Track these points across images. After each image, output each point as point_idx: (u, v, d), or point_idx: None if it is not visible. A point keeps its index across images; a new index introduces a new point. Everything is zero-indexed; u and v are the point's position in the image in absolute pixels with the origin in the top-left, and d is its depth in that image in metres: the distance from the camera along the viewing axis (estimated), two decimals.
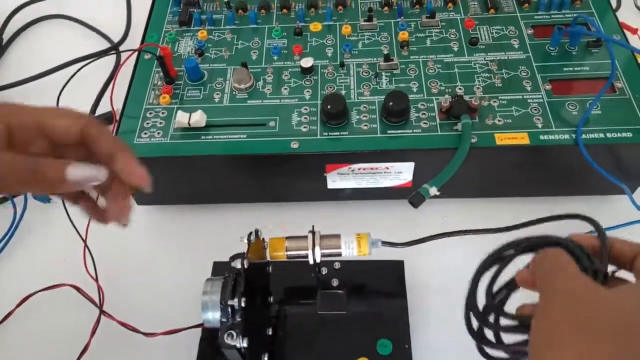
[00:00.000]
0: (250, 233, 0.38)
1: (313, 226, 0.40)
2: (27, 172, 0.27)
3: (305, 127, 0.46)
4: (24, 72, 0.65)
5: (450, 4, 0.54)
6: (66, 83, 0.47)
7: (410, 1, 0.54)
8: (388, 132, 0.45)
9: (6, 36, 0.70)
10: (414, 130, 0.45)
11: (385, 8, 0.54)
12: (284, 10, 0.55)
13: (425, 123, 0.45)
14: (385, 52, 0.51)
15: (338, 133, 0.45)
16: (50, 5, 0.74)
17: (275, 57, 0.51)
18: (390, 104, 0.44)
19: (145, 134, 0.46)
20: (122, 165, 0.29)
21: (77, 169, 0.28)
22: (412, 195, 0.40)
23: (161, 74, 0.49)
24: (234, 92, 0.49)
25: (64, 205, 0.46)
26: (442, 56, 0.50)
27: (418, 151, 0.44)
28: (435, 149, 0.44)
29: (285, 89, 0.49)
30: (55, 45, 0.70)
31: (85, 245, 0.47)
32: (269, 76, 0.50)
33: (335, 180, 0.47)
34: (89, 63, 0.48)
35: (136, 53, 0.51)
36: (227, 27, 0.54)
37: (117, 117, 0.50)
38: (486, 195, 0.51)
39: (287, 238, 0.40)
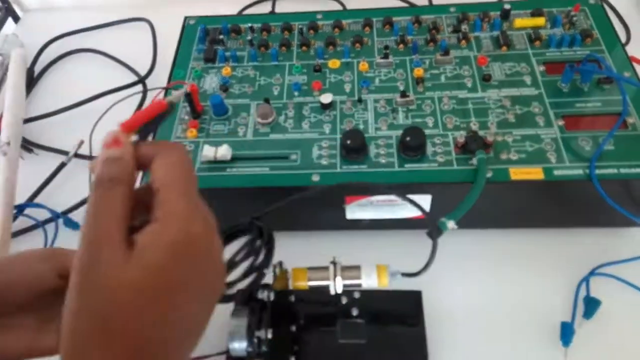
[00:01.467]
0: (275, 265, 0.39)
1: (334, 257, 0.42)
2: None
3: (325, 160, 0.48)
4: (55, 103, 0.69)
5: (463, 42, 0.56)
6: (101, 117, 0.50)
7: (425, 39, 0.57)
8: (405, 165, 0.47)
9: (38, 68, 0.74)
10: (431, 164, 0.46)
11: (401, 45, 0.57)
12: (304, 48, 0.58)
13: (441, 157, 0.47)
14: (402, 88, 0.53)
15: (357, 166, 0.47)
16: (80, 39, 0.78)
17: (296, 93, 0.54)
18: (408, 139, 0.46)
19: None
20: None
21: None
22: (429, 228, 0.42)
23: (188, 109, 0.52)
24: (257, 127, 0.51)
25: None
26: (457, 92, 0.52)
27: (435, 185, 0.46)
28: (452, 182, 0.45)
29: (306, 123, 0.51)
30: (84, 78, 0.74)
31: None
32: (290, 111, 0.52)
33: (355, 211, 0.49)
34: (122, 100, 0.50)
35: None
36: (250, 64, 0.57)
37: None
38: (501, 227, 0.52)
39: (309, 268, 0.42)
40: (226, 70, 0.56)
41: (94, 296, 0.22)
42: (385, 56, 0.55)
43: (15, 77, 0.67)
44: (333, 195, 0.47)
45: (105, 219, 0.23)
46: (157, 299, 0.23)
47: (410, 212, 0.49)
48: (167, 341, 0.23)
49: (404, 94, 0.51)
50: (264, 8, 0.77)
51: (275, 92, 0.54)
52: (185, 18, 0.62)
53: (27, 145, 0.64)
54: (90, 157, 0.59)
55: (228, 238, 0.39)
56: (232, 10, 0.76)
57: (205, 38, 0.59)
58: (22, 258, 0.29)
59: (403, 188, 0.46)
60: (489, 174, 0.45)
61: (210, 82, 0.55)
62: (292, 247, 0.50)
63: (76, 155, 0.61)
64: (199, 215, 0.25)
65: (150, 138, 0.28)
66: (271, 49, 0.58)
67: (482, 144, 0.46)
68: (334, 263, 0.41)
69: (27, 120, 0.65)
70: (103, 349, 0.22)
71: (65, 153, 0.62)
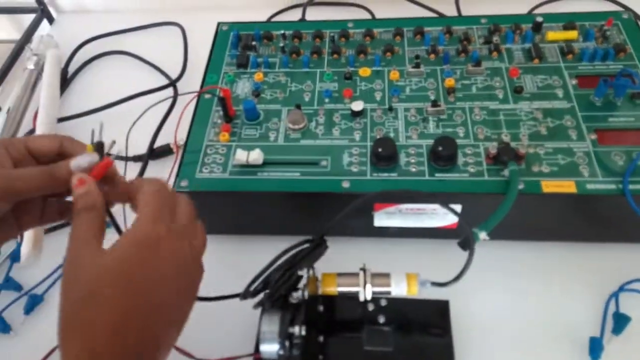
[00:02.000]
0: (308, 269, 0.40)
1: (364, 264, 0.42)
2: (45, 176, 0.33)
3: (355, 167, 0.48)
4: (87, 103, 0.71)
5: (495, 53, 0.56)
6: (136, 120, 0.51)
7: (456, 49, 0.57)
8: (436, 175, 0.47)
9: (71, 69, 0.76)
10: (462, 174, 0.47)
11: (432, 55, 0.57)
12: (335, 56, 0.58)
13: (472, 167, 0.47)
14: (432, 97, 0.53)
15: (387, 174, 0.47)
16: (112, 41, 0.80)
17: (327, 100, 0.54)
18: (440, 148, 0.46)
19: (206, 169, 0.49)
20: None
21: (77, 160, 0.34)
22: (461, 238, 0.42)
23: (221, 113, 0.53)
24: (288, 132, 0.52)
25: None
26: (488, 103, 0.52)
27: (465, 195, 0.46)
28: (483, 193, 0.45)
29: (336, 130, 0.51)
30: (115, 79, 0.75)
31: None
32: (321, 117, 0.53)
33: (383, 218, 0.49)
34: (157, 103, 0.52)
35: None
36: (281, 70, 0.58)
37: (176, 150, 0.53)
38: (531, 239, 0.52)
39: (338, 275, 0.42)
40: (258, 76, 0.57)
41: (76, 280, 0.30)
42: (417, 65, 0.55)
43: (50, 77, 0.69)
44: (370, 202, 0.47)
45: (85, 231, 0.32)
46: (129, 283, 0.30)
47: (439, 222, 0.49)
48: (144, 324, 0.30)
49: (435, 104, 0.51)
50: (294, 15, 0.78)
51: (306, 99, 0.55)
52: (219, 24, 0.63)
53: None
54: (125, 158, 0.60)
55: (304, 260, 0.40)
56: (262, 16, 0.78)
57: (237, 44, 0.60)
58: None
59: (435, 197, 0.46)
60: (521, 186, 0.45)
61: (243, 87, 0.56)
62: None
63: (108, 154, 0.62)
64: (162, 226, 0.32)
65: None
66: (302, 56, 0.58)
67: (515, 155, 0.46)
68: (363, 270, 0.41)
69: (61, 120, 0.67)
70: (86, 327, 0.29)
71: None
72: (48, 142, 0.36)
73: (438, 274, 0.41)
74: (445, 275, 0.41)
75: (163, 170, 0.56)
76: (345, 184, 0.47)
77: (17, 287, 0.53)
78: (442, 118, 0.51)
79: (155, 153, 0.62)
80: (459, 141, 0.49)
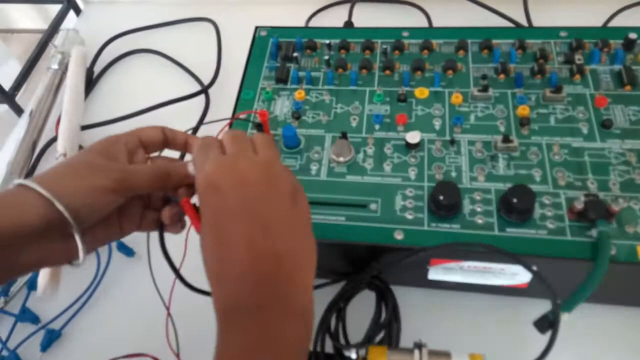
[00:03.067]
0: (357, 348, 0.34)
1: (420, 340, 0.36)
2: (164, 174, 0.35)
3: (410, 213, 0.41)
4: (114, 108, 0.66)
5: (577, 76, 0.48)
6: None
7: (531, 69, 0.49)
8: (507, 230, 0.40)
9: (97, 68, 0.71)
10: (538, 231, 0.39)
11: (502, 75, 0.49)
12: (387, 72, 0.51)
13: (551, 223, 0.39)
14: (502, 128, 0.45)
15: (448, 225, 0.40)
16: (141, 37, 0.74)
17: (377, 126, 0.47)
18: (515, 200, 0.39)
19: None
20: (193, 143, 0.38)
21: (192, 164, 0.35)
22: (538, 318, 0.35)
23: None
24: (332, 165, 0.45)
25: (149, 265, 0.44)
26: (570, 139, 0.44)
27: (542, 258, 0.38)
28: (564, 258, 0.38)
29: (388, 164, 0.44)
30: (144, 81, 0.70)
31: (169, 314, 0.45)
32: (370, 148, 0.46)
33: (439, 273, 0.43)
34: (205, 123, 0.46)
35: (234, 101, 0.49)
36: (325, 88, 0.51)
37: None
38: (618, 304, 0.44)
39: (389, 349, 0.36)
40: (299, 94, 0.50)
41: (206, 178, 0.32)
42: (484, 89, 0.47)
43: (75, 78, 0.64)
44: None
45: (209, 140, 0.35)
46: (260, 180, 0.31)
47: (505, 281, 0.42)
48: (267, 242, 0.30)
49: (506, 138, 0.44)
50: (339, 13, 0.70)
51: (353, 124, 0.48)
52: (257, 29, 0.56)
53: None
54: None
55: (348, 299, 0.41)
56: (304, 12, 0.70)
57: (277, 54, 0.53)
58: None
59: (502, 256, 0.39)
60: (612, 251, 0.37)
61: (282, 107, 0.50)
62: (364, 300, 0.44)
63: None
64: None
65: None
66: (350, 71, 0.51)
67: (605, 211, 0.38)
68: (419, 346, 0.35)
69: (85, 127, 0.62)
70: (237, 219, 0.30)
71: None
72: (155, 133, 0.38)
73: (503, 336, 0.35)
74: (512, 340, 0.35)
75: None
76: (399, 235, 0.40)
77: (34, 319, 0.49)
78: (514, 156, 0.44)
79: None
80: (535, 187, 0.41)
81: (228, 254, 0.29)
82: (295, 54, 0.52)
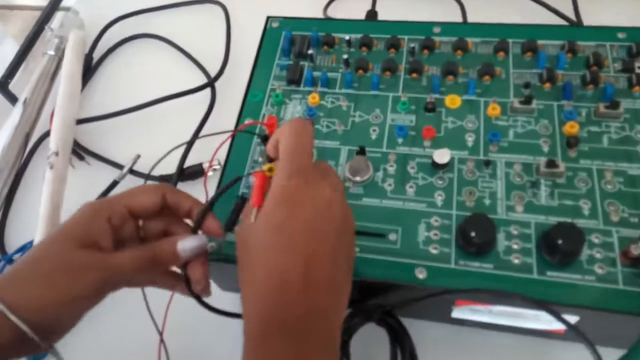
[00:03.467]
0: None
1: None
2: (147, 260, 0.30)
3: (434, 247, 0.36)
4: (113, 99, 0.61)
5: (636, 88, 0.41)
6: (158, 162, 0.40)
7: (582, 77, 0.42)
8: (547, 273, 0.34)
9: (97, 55, 0.66)
10: (585, 277, 0.34)
11: (547, 84, 0.42)
12: (414, 75, 0.44)
13: (600, 267, 0.34)
14: (546, 148, 0.39)
15: (479, 264, 0.35)
16: (144, 21, 0.68)
17: (400, 140, 0.41)
18: (560, 242, 0.33)
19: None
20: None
21: (186, 242, 0.31)
22: None
23: (262, 148, 0.41)
24: (347, 184, 0.40)
25: (143, 292, 0.40)
26: (626, 165, 0.38)
27: (588, 310, 0.33)
28: (614, 311, 0.32)
29: (411, 186, 0.39)
30: (146, 69, 0.65)
31: (161, 340, 0.41)
32: (391, 166, 0.40)
33: (465, 313, 0.38)
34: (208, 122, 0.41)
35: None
36: (343, 91, 0.45)
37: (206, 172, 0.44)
38: None
39: None
40: (313, 98, 0.44)
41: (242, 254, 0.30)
42: (527, 100, 0.41)
43: (71, 67, 0.59)
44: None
45: (305, 140, 0.32)
46: (277, 242, 0.28)
47: (539, 326, 0.37)
48: (304, 278, 0.27)
49: (551, 163, 0.37)
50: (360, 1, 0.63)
51: (373, 136, 0.42)
52: (268, 19, 0.50)
53: (79, 151, 0.56)
54: (147, 177, 0.51)
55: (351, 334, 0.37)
56: None
57: (290, 49, 0.47)
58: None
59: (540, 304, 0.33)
60: None
61: (293, 112, 0.44)
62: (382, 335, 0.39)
63: (131, 171, 0.53)
64: (298, 177, 0.30)
65: None
66: (371, 73, 0.45)
67: None
68: None
69: (81, 121, 0.57)
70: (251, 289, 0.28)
71: (120, 167, 0.54)
72: (150, 199, 0.32)
73: None
74: None
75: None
76: (421, 274, 0.35)
77: None
78: (558, 183, 0.38)
79: (186, 173, 0.52)
80: (581, 222, 0.35)
81: (288, 261, 0.28)
82: (310, 51, 0.46)
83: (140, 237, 0.34)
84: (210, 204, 0.34)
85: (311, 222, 0.28)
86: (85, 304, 0.29)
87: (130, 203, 0.32)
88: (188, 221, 0.35)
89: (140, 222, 0.34)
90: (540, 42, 0.45)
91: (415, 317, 0.41)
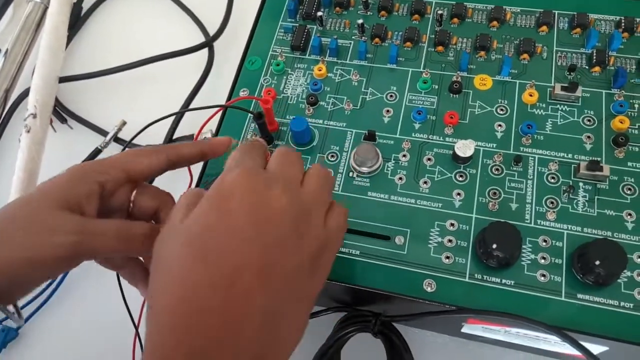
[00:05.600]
0: None
1: None
2: (135, 239, 0.26)
3: (448, 256, 0.31)
4: (100, 56, 0.55)
5: None
6: (137, 134, 0.34)
7: (638, 63, 0.35)
8: (578, 295, 0.29)
9: (87, 4, 0.59)
10: (622, 303, 0.29)
11: (596, 68, 0.36)
12: (439, 48, 0.38)
13: None
14: (588, 145, 0.33)
15: (498, 279, 0.30)
16: None
17: (417, 125, 0.35)
18: (597, 262, 0.28)
19: None
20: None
21: None
22: None
23: (255, 125, 0.36)
24: (351, 173, 0.34)
25: (119, 281, 0.36)
26: None
27: (623, 343, 0.28)
28: None
29: (426, 182, 0.33)
30: (138, 22, 0.58)
31: (137, 335, 0.37)
32: (404, 155, 0.34)
33: (476, 330, 0.33)
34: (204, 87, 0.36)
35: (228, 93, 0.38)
36: (354, 63, 0.38)
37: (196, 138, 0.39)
38: None
39: None
40: (320, 70, 0.38)
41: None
42: (571, 87, 0.34)
43: (56, 15, 0.53)
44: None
45: (256, 145, 0.28)
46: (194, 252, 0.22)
47: (563, 350, 0.32)
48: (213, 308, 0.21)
49: (594, 164, 0.32)
50: None
51: (386, 118, 0.36)
52: None
53: (61, 112, 0.51)
54: (127, 146, 0.46)
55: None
56: None
57: (296, 10, 0.41)
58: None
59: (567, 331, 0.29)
60: None
61: (295, 85, 0.38)
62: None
63: (116, 139, 0.48)
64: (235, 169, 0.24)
65: None
66: (390, 42, 0.39)
67: None
68: None
69: (64, 80, 0.52)
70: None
71: (104, 133, 0.49)
72: (155, 163, 0.28)
73: None
74: None
75: (176, 179, 0.40)
76: (429, 287, 0.30)
77: None
78: (600, 188, 0.32)
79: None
80: (623, 238, 0.30)
81: (195, 277, 0.21)
82: (320, 13, 0.40)
83: (129, 213, 0.29)
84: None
85: (236, 225, 0.22)
86: (50, 268, 0.25)
87: (129, 166, 0.28)
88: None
89: (133, 197, 0.29)
90: (592, 16, 0.38)
91: (419, 328, 0.37)
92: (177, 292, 0.21)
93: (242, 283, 0.21)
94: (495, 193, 0.32)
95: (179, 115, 0.47)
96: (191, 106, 0.50)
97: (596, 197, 0.32)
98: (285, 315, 0.22)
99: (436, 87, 0.37)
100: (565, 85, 0.35)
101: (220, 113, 0.37)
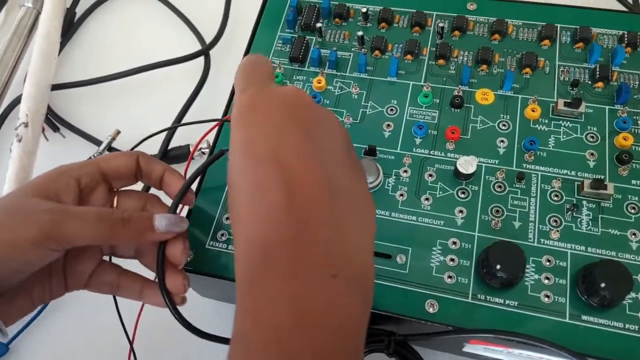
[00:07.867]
0: None
1: None
2: (115, 223, 0.26)
3: (450, 276, 0.30)
4: (94, 63, 0.54)
5: None
6: (136, 145, 0.34)
7: None
8: (582, 317, 0.29)
9: (80, 9, 0.58)
10: (627, 325, 0.28)
11: (599, 84, 0.35)
12: (440, 61, 0.37)
13: None
14: (592, 162, 0.33)
15: (502, 300, 0.29)
16: None
17: (418, 140, 0.35)
18: (603, 285, 0.27)
19: (222, 236, 0.33)
20: (170, 182, 0.30)
21: (163, 218, 0.28)
22: None
23: None
24: None
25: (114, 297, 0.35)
26: None
27: None
28: None
29: (427, 198, 0.33)
30: (134, 28, 0.57)
31: (132, 349, 0.36)
32: (405, 171, 0.34)
33: (478, 350, 0.32)
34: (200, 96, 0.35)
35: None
36: (354, 75, 0.38)
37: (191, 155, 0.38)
38: None
39: None
40: (319, 82, 0.37)
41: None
42: (575, 102, 0.34)
43: (49, 21, 0.52)
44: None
45: (258, 59, 0.28)
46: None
47: None
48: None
49: (598, 182, 0.31)
50: None
51: (387, 132, 0.35)
52: None
53: (54, 121, 0.50)
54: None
55: None
56: None
57: (295, 21, 0.40)
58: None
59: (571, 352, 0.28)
60: None
61: None
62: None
63: (109, 149, 0.47)
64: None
65: None
66: (390, 55, 0.38)
67: None
68: None
69: (57, 87, 0.51)
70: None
71: (97, 142, 0.48)
72: (125, 163, 0.30)
73: None
74: None
75: None
76: (431, 308, 0.29)
77: None
78: (604, 207, 0.31)
79: (170, 155, 0.46)
80: (628, 258, 0.30)
81: (265, 174, 0.21)
82: (319, 24, 0.39)
83: None
84: (194, 177, 0.30)
85: (271, 123, 0.22)
86: (28, 253, 0.25)
87: (101, 164, 0.29)
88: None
89: (115, 202, 0.30)
90: (595, 30, 0.37)
91: (423, 346, 0.37)
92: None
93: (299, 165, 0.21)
94: (498, 211, 0.32)
95: (177, 118, 0.46)
96: (187, 115, 0.49)
97: (600, 215, 0.31)
98: (349, 190, 0.23)
99: (437, 101, 0.36)
100: (569, 100, 0.34)
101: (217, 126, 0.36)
